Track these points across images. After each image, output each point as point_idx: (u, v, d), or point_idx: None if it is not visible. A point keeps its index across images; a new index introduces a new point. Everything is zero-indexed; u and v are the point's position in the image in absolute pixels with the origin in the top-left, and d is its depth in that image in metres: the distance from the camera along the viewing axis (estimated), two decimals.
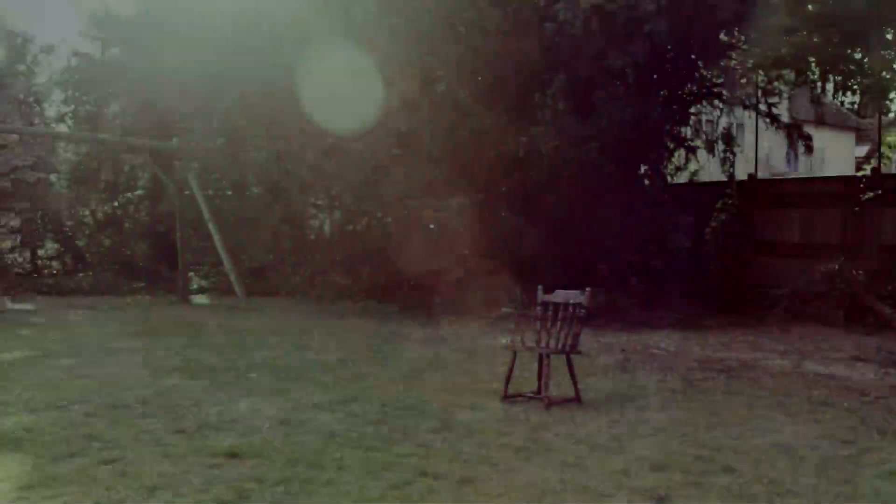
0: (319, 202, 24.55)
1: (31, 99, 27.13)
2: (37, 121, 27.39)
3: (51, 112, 30.15)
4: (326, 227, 26.05)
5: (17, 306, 20.56)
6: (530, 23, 16.42)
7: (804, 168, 34.71)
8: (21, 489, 6.17)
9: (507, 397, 9.38)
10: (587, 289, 9.46)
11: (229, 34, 21.09)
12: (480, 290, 17.66)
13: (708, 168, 21.86)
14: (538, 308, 9.63)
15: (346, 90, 18.38)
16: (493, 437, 7.76)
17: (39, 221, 27.60)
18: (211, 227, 21.20)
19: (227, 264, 21.06)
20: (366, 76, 17.61)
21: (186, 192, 22.58)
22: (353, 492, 6.12)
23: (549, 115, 15.38)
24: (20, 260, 27.78)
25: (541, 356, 9.36)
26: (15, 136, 24.74)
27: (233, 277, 20.97)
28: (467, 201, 16.05)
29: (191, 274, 24.53)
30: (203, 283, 25.49)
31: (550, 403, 9.02)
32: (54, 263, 28.07)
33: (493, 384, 10.14)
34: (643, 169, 19.01)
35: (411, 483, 6.33)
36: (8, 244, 27.42)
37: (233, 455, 6.99)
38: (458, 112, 16.10)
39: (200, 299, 23.22)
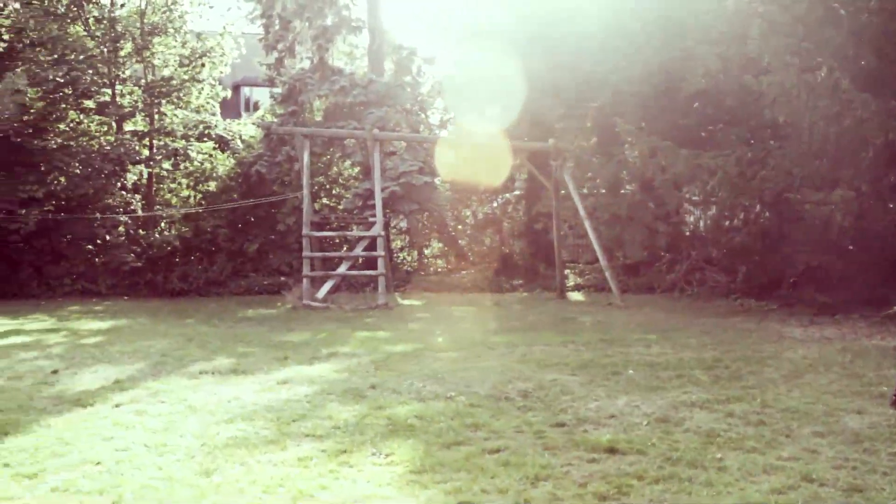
0: (695, 197, 24.25)
1: (416, 108, 28.78)
2: (422, 128, 29.06)
3: (433, 119, 31.89)
4: (702, 224, 25.70)
5: (406, 302, 21.95)
6: None
7: None
8: (414, 473, 6.63)
9: None
10: None
11: (599, 36, 21.35)
12: (867, 287, 16.71)
13: None
14: None
15: (714, 83, 18.09)
16: (884, 444, 7.34)
17: (425, 222, 29.34)
18: (586, 224, 21.52)
19: (603, 261, 21.30)
20: (738, 66, 17.21)
21: (562, 192, 23.07)
22: (734, 493, 6.04)
23: None
24: (408, 258, 29.69)
25: None
26: (403, 143, 26.39)
27: (608, 274, 21.19)
28: (851, 193, 15.20)
29: (567, 271, 25.04)
30: (579, 280, 25.97)
31: None
32: (439, 261, 29.75)
33: (882, 387, 9.63)
34: None
35: (795, 488, 6.16)
36: (398, 244, 29.38)
37: (611, 451, 7.11)
38: (839, 100, 15.30)
39: (576, 296, 23.67)
